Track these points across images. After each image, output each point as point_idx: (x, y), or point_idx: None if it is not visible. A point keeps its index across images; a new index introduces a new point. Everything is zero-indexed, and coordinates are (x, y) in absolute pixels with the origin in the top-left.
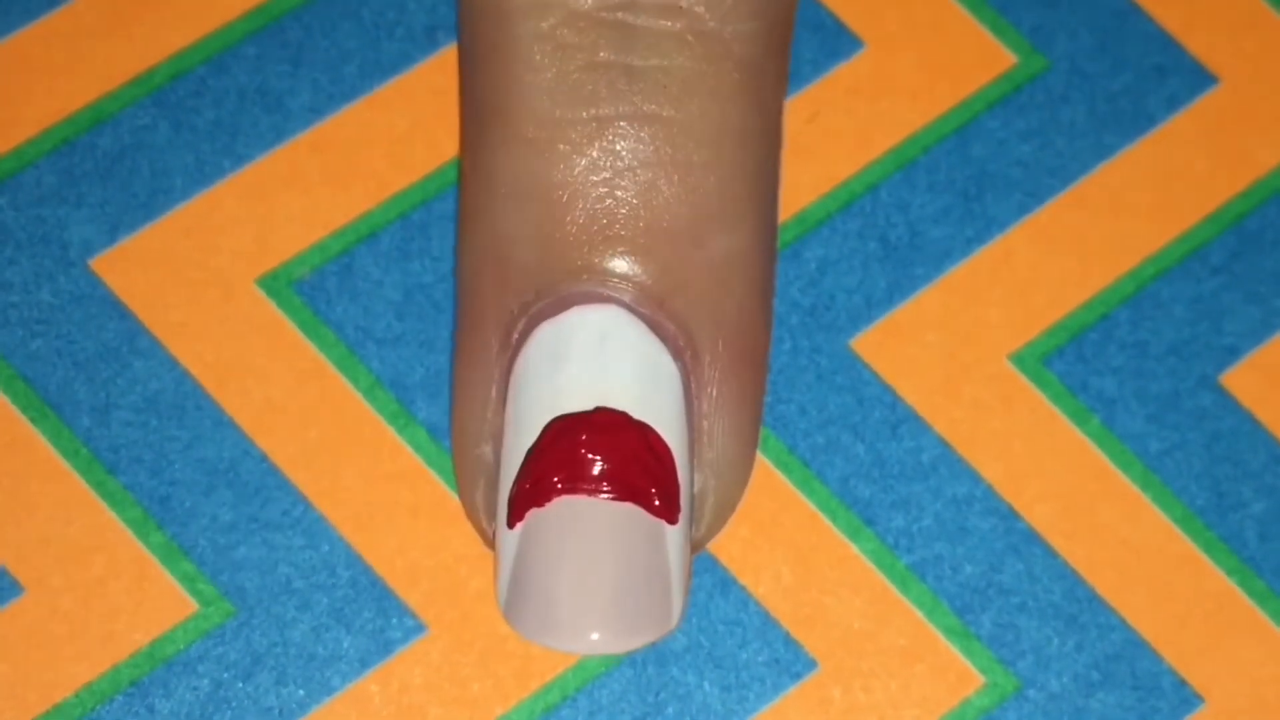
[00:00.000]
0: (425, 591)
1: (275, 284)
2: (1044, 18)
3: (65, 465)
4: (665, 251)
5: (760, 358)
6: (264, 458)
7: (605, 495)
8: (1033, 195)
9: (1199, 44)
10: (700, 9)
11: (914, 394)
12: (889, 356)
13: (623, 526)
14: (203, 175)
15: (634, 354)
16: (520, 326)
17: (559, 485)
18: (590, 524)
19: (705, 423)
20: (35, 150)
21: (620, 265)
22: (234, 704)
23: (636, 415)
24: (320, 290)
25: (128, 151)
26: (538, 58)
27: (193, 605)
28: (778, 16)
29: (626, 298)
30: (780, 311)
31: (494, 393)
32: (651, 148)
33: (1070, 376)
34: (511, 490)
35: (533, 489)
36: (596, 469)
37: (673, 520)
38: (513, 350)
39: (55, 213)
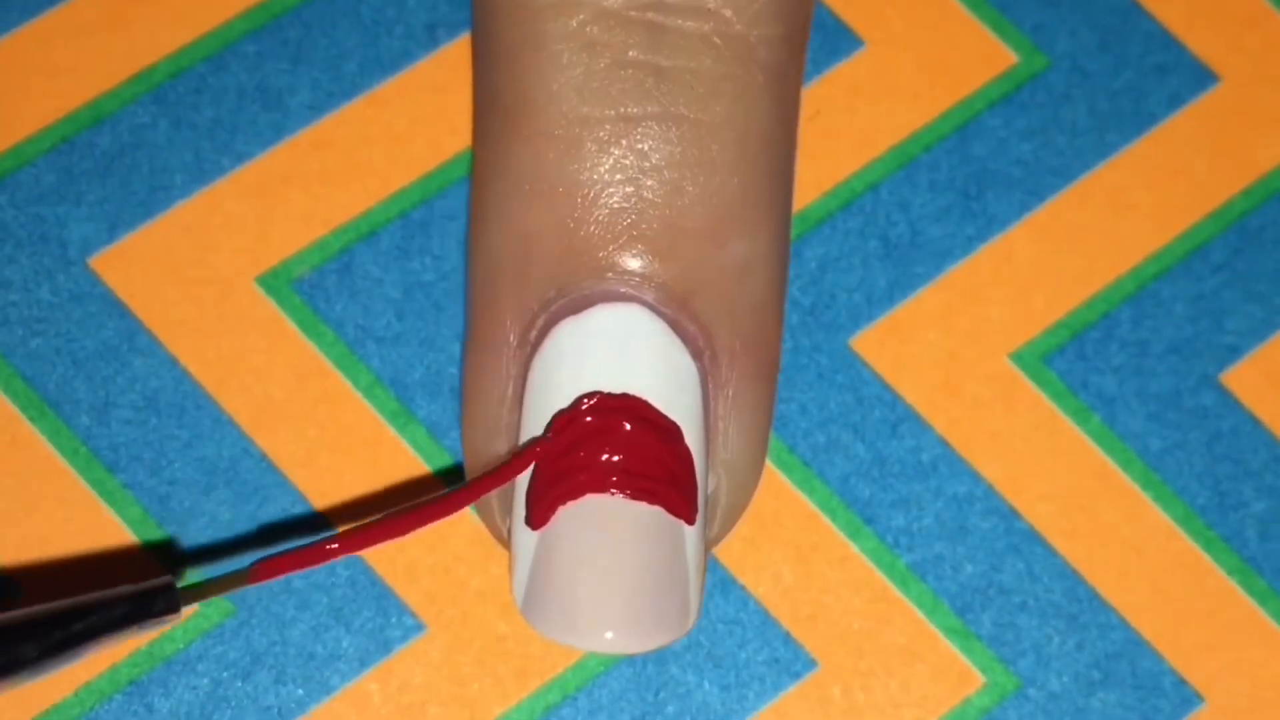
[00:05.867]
0: (425, 590)
1: (275, 282)
2: (1045, 16)
3: (64, 464)
4: (688, 252)
5: (774, 362)
6: (263, 456)
7: (629, 494)
8: (1033, 194)
9: (1200, 43)
10: (728, 12)
11: (914, 393)
12: (889, 355)
13: (646, 527)
14: (202, 173)
15: (656, 354)
16: (540, 324)
17: (584, 483)
18: (613, 523)
19: (721, 424)
20: (34, 148)
21: (643, 264)
22: (233, 703)
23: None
24: (320, 289)
25: (127, 149)
26: (566, 56)
27: (192, 604)
28: (799, 22)
29: (649, 297)
30: None
31: (510, 390)
32: (677, 148)
33: (1071, 375)
34: (531, 486)
35: (557, 486)
36: (622, 468)
37: (691, 521)
38: (531, 347)
39: (54, 211)
